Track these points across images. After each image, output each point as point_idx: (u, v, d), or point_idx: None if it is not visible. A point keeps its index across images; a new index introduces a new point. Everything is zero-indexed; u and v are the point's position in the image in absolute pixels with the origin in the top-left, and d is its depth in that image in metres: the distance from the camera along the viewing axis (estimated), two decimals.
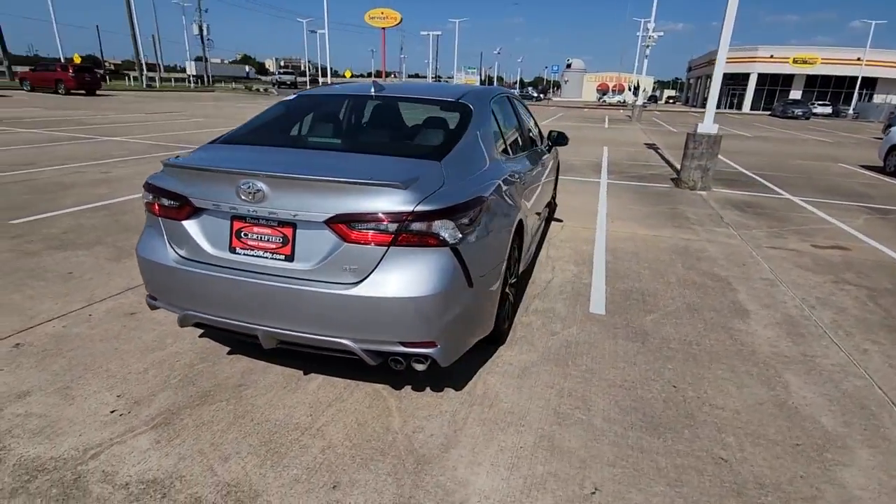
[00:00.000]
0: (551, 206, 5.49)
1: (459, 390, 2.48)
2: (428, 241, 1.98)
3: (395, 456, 2.03)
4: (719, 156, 8.42)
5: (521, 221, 2.94)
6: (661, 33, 31.51)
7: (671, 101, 79.48)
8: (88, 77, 27.17)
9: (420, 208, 1.95)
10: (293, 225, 2.04)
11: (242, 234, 2.12)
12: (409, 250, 1.98)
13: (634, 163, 10.81)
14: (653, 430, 2.23)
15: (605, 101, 63.20)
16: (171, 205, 2.20)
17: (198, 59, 49.09)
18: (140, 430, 2.12)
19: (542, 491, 1.87)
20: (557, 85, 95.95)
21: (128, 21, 34.40)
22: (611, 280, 3.98)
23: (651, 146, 14.27)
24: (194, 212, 2.17)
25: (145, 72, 38.74)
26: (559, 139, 4.68)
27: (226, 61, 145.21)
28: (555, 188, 5.69)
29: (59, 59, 35.75)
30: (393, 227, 1.94)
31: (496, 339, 2.85)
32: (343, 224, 1.96)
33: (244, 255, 2.12)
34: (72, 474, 1.87)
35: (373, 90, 2.95)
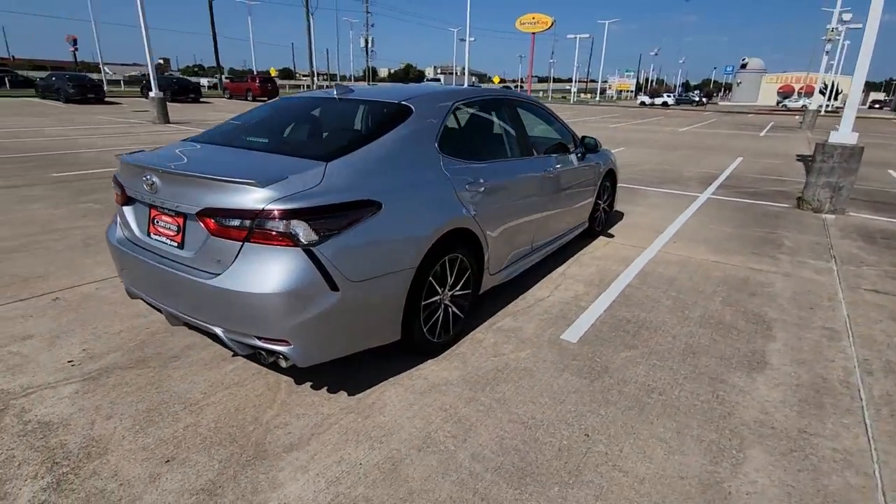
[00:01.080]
0: (596, 218, 4.99)
1: (352, 396, 2.43)
2: (279, 239, 2.00)
3: (241, 446, 2.08)
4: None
5: (467, 230, 2.77)
6: (859, 25, 26.01)
7: (877, 105, 65.21)
8: (270, 86, 32.04)
9: (272, 207, 1.98)
10: (184, 216, 2.22)
11: (155, 221, 2.37)
12: (261, 247, 2.02)
13: (763, 177, 9.19)
14: (518, 479, 1.94)
15: (785, 105, 54.46)
16: (118, 193, 2.55)
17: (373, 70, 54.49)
18: (73, 380, 2.50)
19: None
20: (729, 88, 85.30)
21: (306, 37, 39.74)
22: (615, 306, 3.49)
23: (804, 158, 11.96)
24: (129, 200, 2.49)
25: (317, 80, 44.49)
26: (591, 145, 4.25)
27: (392, 70, 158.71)
28: (606, 199, 5.15)
29: (252, 71, 42.87)
30: (247, 223, 2.00)
31: (425, 350, 2.74)
32: (209, 217, 2.08)
33: (156, 240, 2.37)
34: (1, 404, 2.29)
35: (336, 93, 3.04)
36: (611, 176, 5.12)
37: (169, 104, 17.93)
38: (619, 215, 6.05)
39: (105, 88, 27.45)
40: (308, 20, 39.13)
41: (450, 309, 2.84)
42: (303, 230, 2.00)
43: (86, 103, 23.45)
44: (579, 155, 4.28)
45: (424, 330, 2.65)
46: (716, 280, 4.03)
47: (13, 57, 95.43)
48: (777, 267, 4.36)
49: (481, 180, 2.92)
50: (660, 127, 21.88)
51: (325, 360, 2.23)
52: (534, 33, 53.49)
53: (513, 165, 3.34)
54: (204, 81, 39.65)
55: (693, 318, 3.35)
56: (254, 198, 2.00)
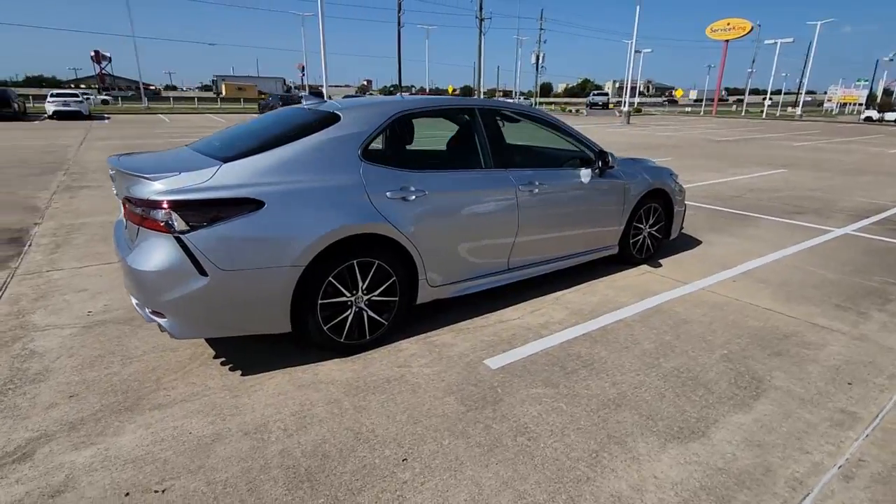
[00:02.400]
0: (636, 243, 4.39)
1: (243, 376, 2.65)
2: (159, 225, 2.33)
3: (128, 397, 2.46)
4: None
5: (385, 237, 2.80)
6: None
7: None
8: None
9: (155, 197, 2.33)
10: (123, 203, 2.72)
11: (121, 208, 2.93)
12: (149, 231, 2.38)
13: None
14: (297, 483, 1.93)
15: None
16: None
17: (544, 86, 54.88)
18: (77, 326, 3.21)
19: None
20: None
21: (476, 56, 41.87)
22: (578, 341, 3.09)
23: None
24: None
25: (481, 96, 46.49)
26: (604, 158, 3.80)
27: (568, 84, 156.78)
28: (655, 224, 4.49)
29: (424, 88, 46.75)
30: (139, 210, 2.39)
31: (326, 348, 2.83)
32: (125, 204, 2.52)
33: (125, 222, 2.93)
34: (23, 333, 3.08)
35: (304, 103, 3.32)
36: (661, 197, 4.46)
37: None
38: (692, 243, 5.19)
39: None
40: (480, 40, 41.24)
41: (364, 313, 2.89)
42: (175, 219, 2.31)
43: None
44: (596, 172, 3.86)
45: (325, 328, 2.75)
46: (745, 330, 3.25)
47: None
48: (854, 327, 3.31)
49: (412, 188, 2.91)
50: (864, 147, 17.63)
51: (201, 336, 2.51)
52: (727, 41, 47.73)
53: (464, 177, 3.21)
54: None
55: (663, 368, 2.79)
56: (147, 189, 2.37)
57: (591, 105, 48.07)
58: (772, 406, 2.45)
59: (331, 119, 2.87)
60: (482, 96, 46.91)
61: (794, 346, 3.06)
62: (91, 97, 25.93)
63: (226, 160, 2.54)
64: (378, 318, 2.94)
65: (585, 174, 3.81)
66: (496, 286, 3.50)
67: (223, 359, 2.83)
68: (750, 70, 54.73)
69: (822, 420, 2.35)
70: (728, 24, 48.41)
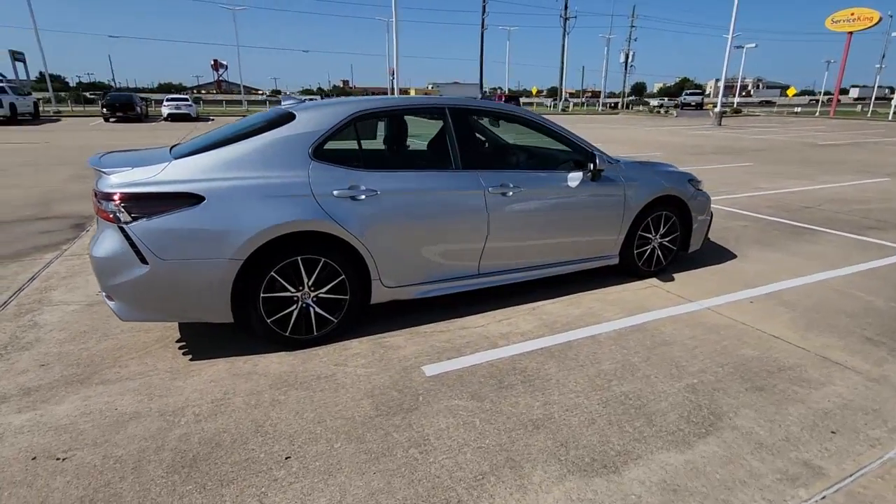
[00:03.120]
0: (642, 255, 4.02)
1: (192, 361, 2.80)
2: (108, 216, 2.53)
3: (83, 370, 2.69)
4: None
5: (331, 235, 2.81)
6: None
7: None
8: (514, 104, 34.31)
9: (105, 190, 2.53)
10: None
11: None
12: (103, 221, 2.59)
13: None
14: (179, 468, 2.00)
15: None
16: None
17: (637, 86, 52.48)
18: (81, 304, 3.58)
19: None
20: None
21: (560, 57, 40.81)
22: (532, 355, 2.90)
23: None
24: None
25: (564, 97, 45.22)
26: (593, 161, 3.52)
27: (665, 84, 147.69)
28: (668, 234, 4.09)
29: (502, 90, 46.55)
30: (97, 201, 2.60)
31: (272, 340, 2.89)
32: (92, 197, 2.76)
33: None
34: (38, 307, 3.49)
35: (283, 104, 3.43)
36: (674, 205, 4.05)
37: None
38: (723, 257, 4.65)
39: None
40: (563, 40, 40.11)
41: (311, 309, 2.92)
42: (120, 211, 2.49)
43: None
44: (588, 175, 3.59)
45: (268, 321, 2.82)
46: (733, 359, 2.85)
47: (350, 85, 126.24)
48: (876, 366, 2.78)
49: (362, 188, 2.90)
50: None
51: (145, 320, 2.67)
52: (850, 32, 42.30)
53: (425, 177, 3.12)
54: None
55: (612, 392, 2.53)
56: (103, 182, 2.58)
57: (683, 105, 44.72)
58: (717, 448, 2.12)
59: (287, 118, 2.94)
60: (565, 96, 45.68)
61: (784, 381, 2.63)
62: (190, 101, 28.63)
63: (178, 157, 2.70)
64: (327, 315, 2.97)
65: (574, 178, 3.56)
66: (467, 291, 3.39)
67: (183, 343, 3.01)
68: (879, 66, 48.02)
69: (771, 471, 1.99)
70: (852, 14, 42.79)
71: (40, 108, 27.40)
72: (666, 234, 4.12)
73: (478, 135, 3.73)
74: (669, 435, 2.21)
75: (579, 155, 3.66)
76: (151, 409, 2.37)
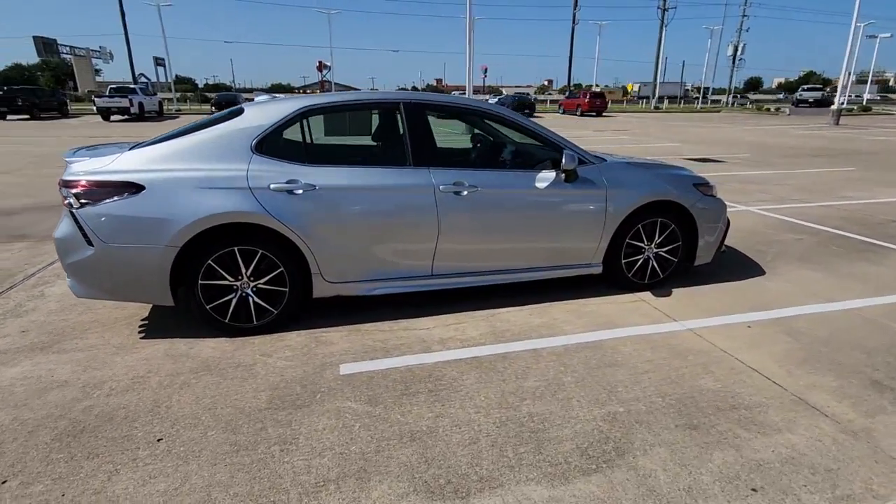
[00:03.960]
0: (633, 265, 3.63)
1: (142, 339, 3.01)
2: (64, 202, 2.78)
3: (47, 338, 3.00)
4: None
5: (267, 228, 2.87)
6: None
7: None
8: (598, 101, 32.75)
9: (63, 178, 2.78)
10: None
11: None
12: (63, 206, 2.85)
13: None
14: (61, 437, 2.15)
15: None
16: None
17: (752, 81, 47.64)
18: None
19: None
20: None
21: (655, 50, 38.18)
22: (459, 364, 2.74)
23: None
24: None
25: (657, 94, 42.18)
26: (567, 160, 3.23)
27: (786, 79, 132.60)
28: (666, 244, 3.66)
29: (590, 87, 44.55)
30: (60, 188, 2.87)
31: (215, 327, 3.01)
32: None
33: None
34: (51, 282, 3.95)
35: (256, 100, 3.53)
36: (673, 211, 3.60)
37: None
38: (746, 272, 4.06)
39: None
40: (660, 32, 37.44)
41: (250, 299, 3.00)
42: (70, 198, 2.73)
43: None
44: (560, 176, 3.31)
45: (207, 307, 2.94)
46: (683, 390, 2.48)
47: (444, 84, 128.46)
48: (865, 417, 2.26)
49: (301, 182, 2.91)
50: None
51: (95, 298, 2.90)
52: None
53: (369, 173, 3.05)
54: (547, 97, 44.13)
55: (517, 412, 2.31)
56: (65, 172, 2.84)
57: (798, 102, 39.58)
58: (596, 489, 1.85)
59: (236, 114, 3.03)
60: (657, 92, 42.65)
61: (729, 421, 2.24)
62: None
63: (132, 148, 2.90)
64: (266, 305, 3.03)
65: (543, 178, 3.30)
66: (421, 291, 3.29)
67: (146, 321, 3.24)
68: None
69: None
70: None
71: (164, 107, 31.14)
72: (664, 243, 3.69)
73: (476, 133, 3.62)
74: (551, 466, 1.97)
75: (554, 154, 3.39)
76: (79, 380, 2.58)
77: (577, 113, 33.39)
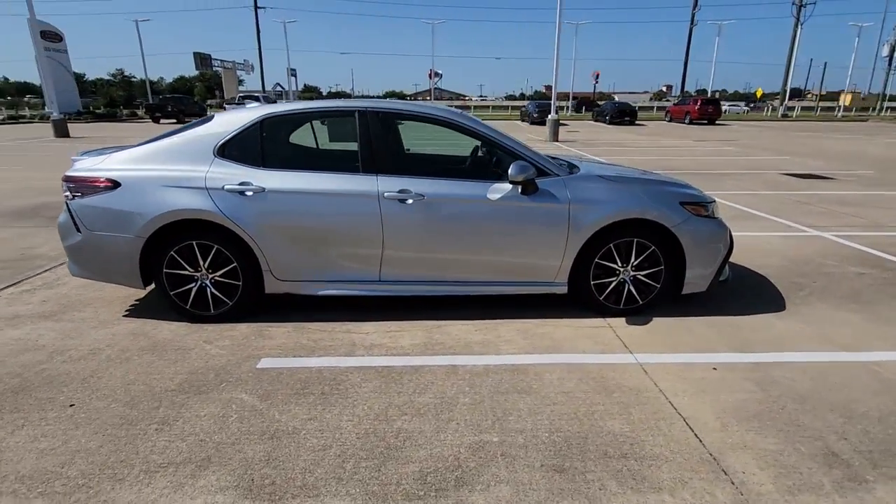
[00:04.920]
0: (606, 287, 3.33)
1: (125, 319, 3.42)
2: (63, 193, 3.26)
3: (63, 307, 3.53)
4: None
5: (220, 225, 3.12)
6: None
7: None
8: (711, 109, 29.98)
9: (64, 174, 3.26)
10: None
11: None
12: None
13: None
14: None
15: None
16: None
17: None
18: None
19: None
20: None
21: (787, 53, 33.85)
22: (377, 374, 2.73)
23: None
24: None
25: (786, 101, 37.08)
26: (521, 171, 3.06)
27: None
28: (647, 266, 3.30)
29: (703, 91, 40.63)
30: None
31: (182, 312, 3.32)
32: None
33: None
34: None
35: (246, 106, 3.82)
36: (652, 230, 3.24)
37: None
38: (761, 305, 3.51)
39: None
40: (795, 30, 33.10)
41: (208, 290, 3.27)
42: (68, 190, 3.20)
43: (622, 125, 29.21)
44: (518, 188, 3.15)
45: (171, 293, 3.26)
46: (579, 428, 2.23)
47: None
48: (785, 493, 1.86)
49: (252, 184, 3.11)
50: None
51: (85, 278, 3.34)
52: None
53: (315, 178, 3.16)
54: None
55: (388, 426, 2.26)
56: (70, 169, 3.33)
57: None
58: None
59: (207, 121, 3.33)
60: (788, 95, 37.60)
61: (608, 471, 1.97)
62: None
63: (120, 150, 3.32)
64: (222, 297, 3.28)
65: (496, 189, 3.16)
66: (369, 296, 3.33)
67: (137, 301, 3.67)
68: None
69: None
70: None
71: None
72: (642, 266, 3.33)
73: (440, 141, 3.61)
74: (378, 486, 1.90)
75: (507, 163, 3.22)
76: (53, 346, 3.01)
77: (686, 121, 30.84)
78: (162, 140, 3.30)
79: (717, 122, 30.90)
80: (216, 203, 3.10)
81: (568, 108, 42.28)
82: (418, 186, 3.17)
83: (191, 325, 3.29)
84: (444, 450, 2.11)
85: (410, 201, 3.15)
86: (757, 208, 6.90)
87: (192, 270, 3.24)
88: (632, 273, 3.36)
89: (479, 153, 3.85)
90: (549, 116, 18.77)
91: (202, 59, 62.98)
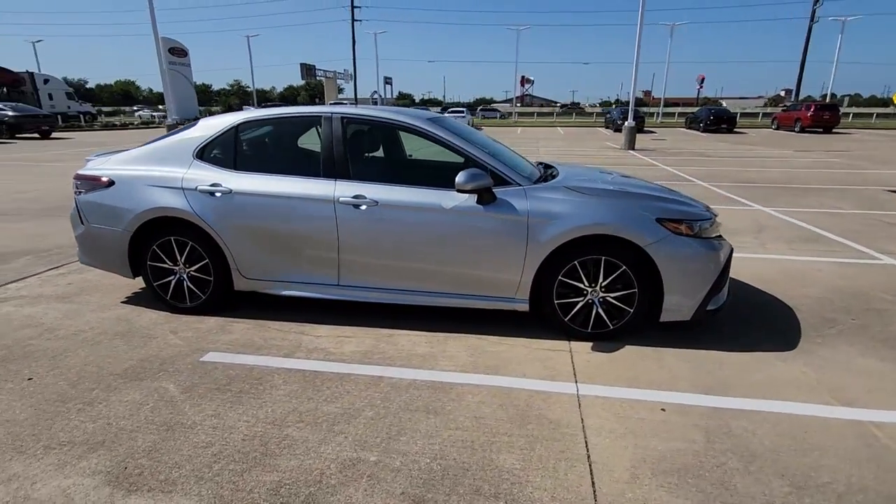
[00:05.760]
0: (572, 307, 3.06)
1: (122, 300, 3.76)
2: (73, 189, 3.65)
3: (76, 289, 3.96)
4: None
5: (192, 223, 3.32)
6: None
7: None
8: (827, 115, 26.56)
9: (75, 173, 3.65)
10: None
11: None
12: None
13: None
14: None
15: None
16: None
17: None
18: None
19: None
20: None
21: None
22: (302, 381, 2.74)
23: None
24: None
25: None
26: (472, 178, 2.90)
27: None
28: (618, 286, 2.98)
29: (834, 96, 35.80)
30: None
31: (167, 303, 3.58)
32: None
33: None
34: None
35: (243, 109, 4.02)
36: (627, 249, 2.91)
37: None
38: (767, 341, 3.01)
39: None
40: None
41: (184, 283, 3.49)
42: (75, 186, 3.58)
43: (718, 132, 27.37)
44: (473, 197, 3.00)
45: (154, 284, 3.53)
46: (470, 458, 2.05)
47: (651, 96, 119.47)
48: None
49: (221, 186, 3.27)
50: None
51: (89, 265, 3.71)
52: None
53: (275, 182, 3.24)
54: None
55: (278, 431, 2.24)
56: (82, 168, 3.73)
57: None
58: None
59: (192, 126, 3.55)
60: None
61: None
62: (465, 114, 32.64)
63: (121, 152, 3.65)
64: (197, 290, 3.49)
65: (452, 198, 3.03)
66: (328, 299, 3.35)
67: (142, 289, 4.01)
68: None
69: None
70: None
71: None
72: (613, 287, 3.01)
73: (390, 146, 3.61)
74: (232, 491, 1.89)
75: (458, 171, 3.07)
76: (50, 325, 3.37)
77: (796, 129, 27.52)
78: (155, 143, 3.58)
79: (833, 130, 27.32)
80: (190, 203, 3.30)
81: (658, 114, 39.66)
82: (374, 192, 3.13)
83: (170, 316, 3.53)
84: (315, 462, 2.05)
85: (364, 207, 3.13)
86: (828, 229, 5.97)
87: (172, 264, 3.48)
88: (601, 294, 3.05)
89: (450, 160, 3.73)
90: (625, 123, 17.76)
91: (307, 70, 67.82)
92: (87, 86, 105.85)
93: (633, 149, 17.48)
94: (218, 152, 3.43)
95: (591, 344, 3.09)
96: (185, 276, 3.49)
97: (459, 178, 2.91)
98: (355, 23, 51.76)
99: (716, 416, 2.37)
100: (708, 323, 3.33)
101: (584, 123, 38.79)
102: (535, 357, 2.94)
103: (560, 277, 3.04)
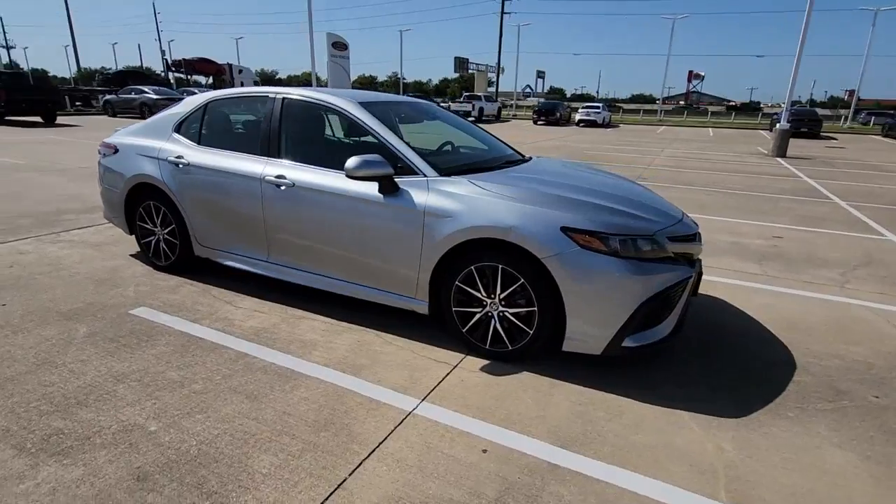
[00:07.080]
0: (479, 320, 2.70)
1: (127, 256, 4.33)
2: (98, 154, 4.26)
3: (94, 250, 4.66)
4: None
5: (160, 191, 3.68)
6: None
7: None
8: None
9: (101, 141, 4.27)
10: None
11: None
12: None
13: None
14: None
15: None
16: None
17: None
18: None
19: None
20: None
21: None
22: (166, 338, 2.87)
23: None
24: None
25: None
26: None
27: None
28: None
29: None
30: None
31: (152, 263, 4.04)
32: None
33: None
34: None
35: None
36: (517, 256, 2.47)
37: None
38: (727, 399, 2.33)
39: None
40: None
41: (161, 245, 3.88)
42: (99, 152, 4.19)
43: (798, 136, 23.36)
44: (375, 185, 2.80)
45: (141, 242, 4.00)
46: (222, 457, 1.96)
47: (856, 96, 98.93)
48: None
49: (183, 158, 3.55)
50: None
51: (107, 220, 4.31)
52: None
53: (219, 157, 3.43)
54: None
55: (68, 386, 2.37)
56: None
57: None
58: None
59: (178, 101, 3.89)
60: None
61: (178, 486, 1.70)
62: (600, 109, 30.51)
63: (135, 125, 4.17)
64: (168, 252, 3.86)
65: (354, 184, 2.88)
66: (265, 276, 3.45)
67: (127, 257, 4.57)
68: None
69: None
70: None
71: (502, 112, 36.30)
72: (516, 302, 2.59)
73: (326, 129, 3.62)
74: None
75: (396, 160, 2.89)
76: (60, 264, 4.01)
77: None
78: (153, 117, 4.03)
79: None
80: (161, 172, 3.65)
81: (846, 117, 32.61)
82: (294, 173, 3.12)
83: (151, 272, 3.96)
84: (106, 420, 2.13)
85: (283, 188, 3.13)
86: None
87: (152, 226, 3.90)
88: (500, 308, 2.64)
89: (364, 145, 3.54)
90: (777, 126, 15.01)
91: (461, 63, 70.04)
92: (278, 76, 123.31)
93: (783, 156, 14.76)
94: (189, 127, 3.73)
95: (484, 363, 2.71)
96: (162, 237, 3.88)
97: (349, 163, 2.74)
98: (504, 15, 51.66)
99: (544, 473, 1.91)
100: (665, 362, 2.69)
101: (745, 125, 33.77)
102: (412, 364, 2.68)
103: (457, 283, 2.71)
